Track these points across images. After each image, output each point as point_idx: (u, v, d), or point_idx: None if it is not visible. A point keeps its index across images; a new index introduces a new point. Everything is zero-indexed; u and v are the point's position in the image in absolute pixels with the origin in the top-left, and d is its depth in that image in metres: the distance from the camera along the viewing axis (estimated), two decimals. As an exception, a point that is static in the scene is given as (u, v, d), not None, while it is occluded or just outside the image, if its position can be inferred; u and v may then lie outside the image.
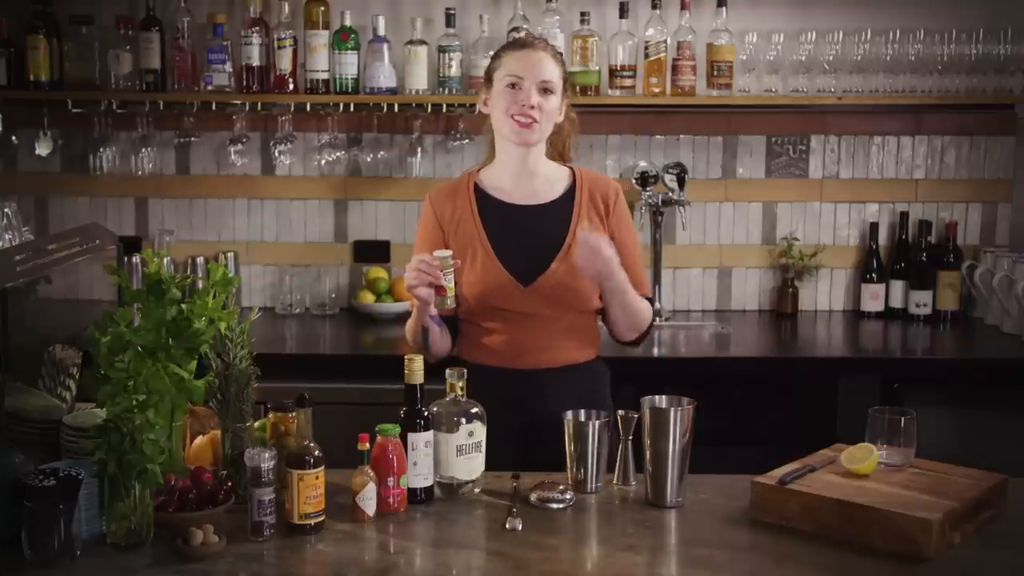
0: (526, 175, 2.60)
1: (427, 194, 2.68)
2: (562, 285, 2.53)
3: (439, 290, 2.39)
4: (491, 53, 2.66)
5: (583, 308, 2.58)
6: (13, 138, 3.93)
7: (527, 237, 2.56)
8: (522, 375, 2.54)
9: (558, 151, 2.69)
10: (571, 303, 2.55)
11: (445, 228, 2.60)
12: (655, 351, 3.55)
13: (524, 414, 2.49)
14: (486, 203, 2.60)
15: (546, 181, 2.62)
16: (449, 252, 2.40)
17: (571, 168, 2.67)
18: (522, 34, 2.65)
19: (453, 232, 2.59)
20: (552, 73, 2.53)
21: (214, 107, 3.82)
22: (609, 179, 2.72)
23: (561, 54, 2.64)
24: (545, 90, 2.52)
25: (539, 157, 2.61)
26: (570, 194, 2.61)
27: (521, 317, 2.53)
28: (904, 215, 3.98)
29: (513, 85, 2.51)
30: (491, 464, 2.29)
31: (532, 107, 2.49)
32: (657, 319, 2.71)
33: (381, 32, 3.77)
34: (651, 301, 2.68)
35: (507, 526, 2.07)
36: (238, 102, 3.81)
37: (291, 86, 3.77)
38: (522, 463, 2.35)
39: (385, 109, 3.79)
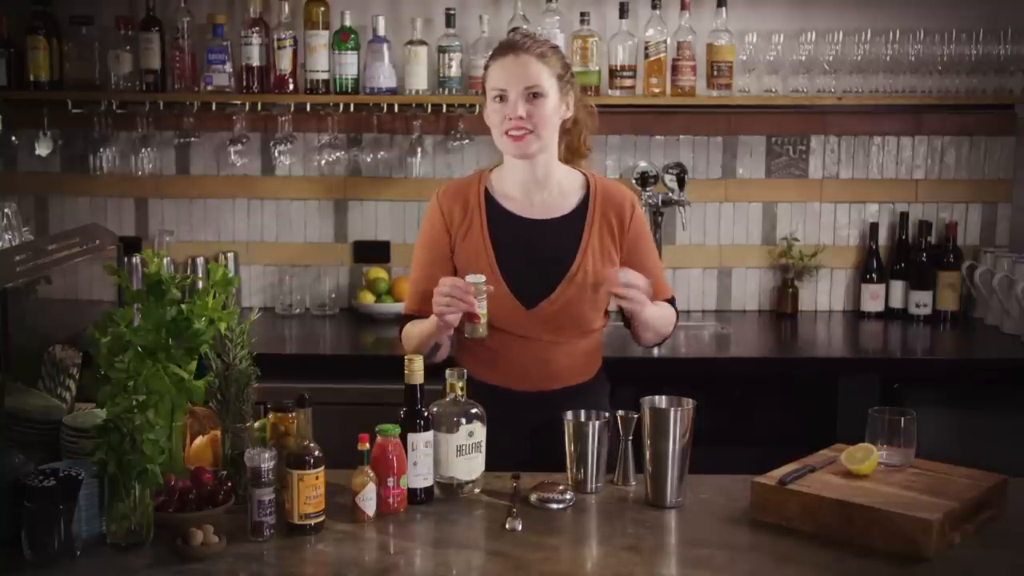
0: (535, 185, 2.51)
1: (435, 192, 2.59)
2: (564, 311, 2.47)
3: (471, 317, 2.33)
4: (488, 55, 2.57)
5: (585, 332, 2.52)
6: (13, 138, 3.93)
7: (534, 256, 2.48)
8: (519, 396, 2.50)
9: (574, 146, 2.59)
10: (573, 328, 2.49)
11: (452, 232, 2.52)
12: (655, 351, 3.54)
13: (520, 429, 2.45)
14: (496, 213, 2.51)
15: (559, 192, 2.53)
16: (482, 277, 2.33)
17: (586, 175, 2.58)
18: (510, 35, 2.49)
19: (460, 238, 2.51)
20: (538, 76, 2.40)
21: (214, 107, 3.82)
22: (624, 191, 2.59)
23: (555, 47, 2.50)
24: (534, 95, 2.40)
25: (549, 165, 2.51)
26: (583, 207, 2.53)
27: (521, 340, 2.48)
28: (904, 215, 3.98)
29: (500, 98, 2.42)
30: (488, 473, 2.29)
31: (520, 118, 2.39)
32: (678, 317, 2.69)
33: (381, 32, 3.77)
34: (672, 300, 2.65)
35: (507, 526, 2.07)
36: (238, 102, 3.81)
37: (291, 86, 3.77)
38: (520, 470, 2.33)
39: (385, 109, 3.79)
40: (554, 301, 2.47)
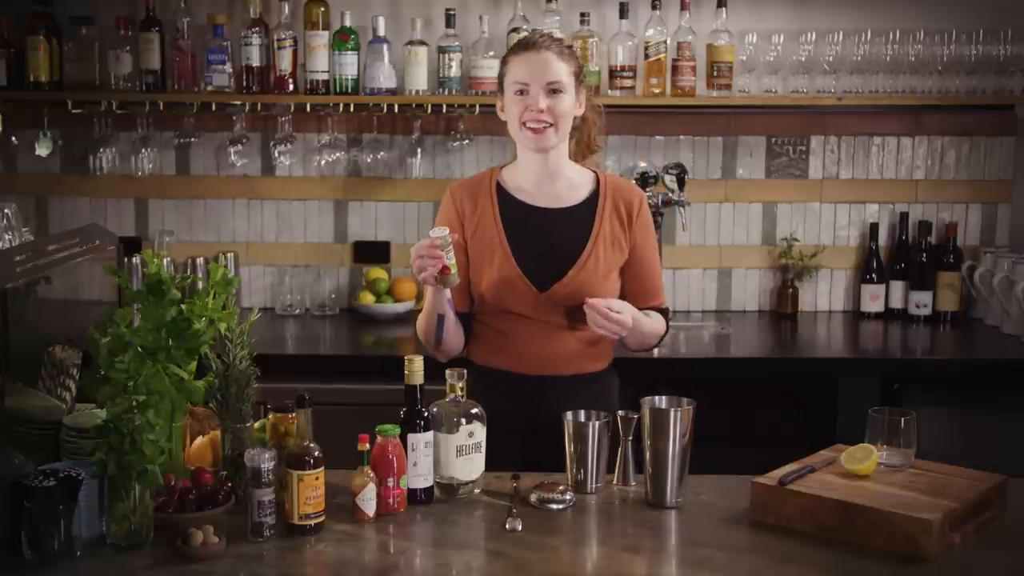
0: (547, 178, 2.57)
1: (448, 188, 2.64)
2: (577, 294, 2.49)
3: (442, 269, 2.36)
4: (492, 54, 2.60)
5: None
6: (13, 138, 3.92)
7: (547, 241, 2.54)
8: (530, 381, 2.53)
9: (584, 144, 2.66)
10: (583, 313, 2.48)
11: (465, 224, 2.57)
12: (655, 351, 3.53)
13: (528, 419, 2.47)
14: (507, 204, 2.57)
15: (569, 185, 2.59)
16: (446, 229, 2.36)
17: (595, 172, 2.64)
18: (526, 33, 2.59)
19: (472, 230, 2.56)
20: (558, 72, 2.48)
21: (214, 108, 3.82)
22: (633, 186, 2.69)
23: (570, 47, 2.59)
24: (554, 91, 2.47)
25: (560, 159, 2.57)
26: (593, 199, 2.58)
27: (534, 323, 2.52)
28: (904, 216, 3.98)
29: (521, 92, 2.48)
30: (491, 466, 2.29)
31: (542, 111, 2.46)
32: (670, 326, 2.72)
33: (381, 33, 3.77)
34: (665, 312, 2.67)
35: (507, 527, 2.07)
36: (238, 103, 3.81)
37: (291, 87, 3.77)
38: (523, 468, 2.33)
39: (385, 109, 3.79)
40: (566, 284, 2.51)
